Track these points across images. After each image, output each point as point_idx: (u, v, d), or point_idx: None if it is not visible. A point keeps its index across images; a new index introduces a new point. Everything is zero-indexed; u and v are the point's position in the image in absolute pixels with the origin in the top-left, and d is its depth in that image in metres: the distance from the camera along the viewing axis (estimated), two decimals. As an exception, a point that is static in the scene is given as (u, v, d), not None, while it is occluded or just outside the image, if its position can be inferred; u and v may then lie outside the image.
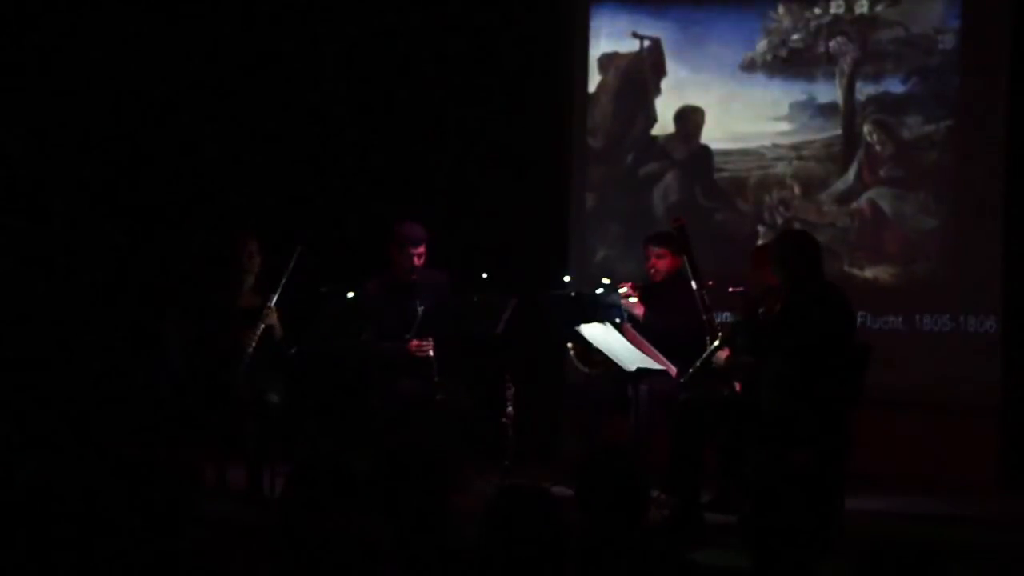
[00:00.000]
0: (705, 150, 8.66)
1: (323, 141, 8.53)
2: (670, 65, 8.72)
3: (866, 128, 8.27)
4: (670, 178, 8.72)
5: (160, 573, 3.06)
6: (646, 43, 8.76)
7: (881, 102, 8.24)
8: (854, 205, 8.30)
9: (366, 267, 7.06)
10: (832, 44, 8.31)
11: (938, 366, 7.82)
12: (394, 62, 8.53)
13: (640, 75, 8.79)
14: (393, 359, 6.75)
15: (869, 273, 8.24)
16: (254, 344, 6.45)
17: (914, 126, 8.15)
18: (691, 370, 6.18)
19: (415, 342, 6.69)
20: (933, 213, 8.13)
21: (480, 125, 8.52)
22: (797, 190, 8.43)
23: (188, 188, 8.23)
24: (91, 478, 3.18)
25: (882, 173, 8.25)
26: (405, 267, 6.78)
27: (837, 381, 5.74)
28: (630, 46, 8.80)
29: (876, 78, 8.27)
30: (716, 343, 6.15)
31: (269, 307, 6.50)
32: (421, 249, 6.79)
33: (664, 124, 8.76)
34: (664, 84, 8.77)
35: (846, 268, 8.17)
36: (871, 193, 8.27)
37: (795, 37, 8.38)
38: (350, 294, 6.61)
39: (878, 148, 8.25)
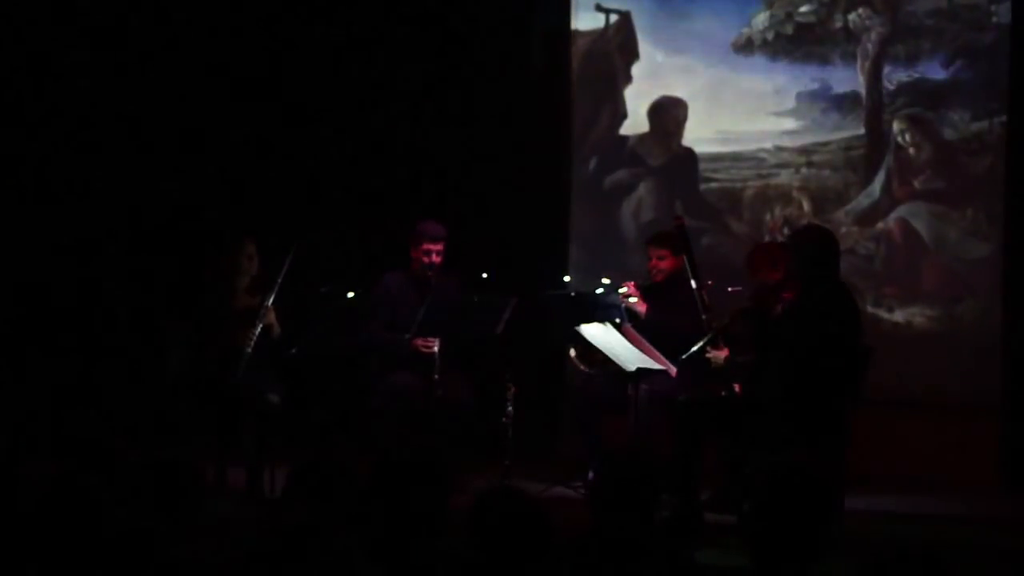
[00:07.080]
0: (688, 154, 8.31)
1: (321, 143, 8.82)
2: (643, 46, 8.39)
3: (896, 126, 7.95)
4: (644, 190, 8.38)
5: (161, 573, 3.38)
6: (613, 18, 8.45)
7: (916, 92, 7.90)
8: (881, 226, 7.97)
9: (365, 268, 7.86)
10: (852, 17, 7.98)
11: (938, 366, 7.77)
12: (391, 63, 8.75)
13: (606, 59, 8.46)
14: (396, 352, 7.42)
15: (900, 316, 7.92)
16: (251, 344, 7.06)
17: (959, 123, 7.81)
18: (693, 349, 6.60)
19: (420, 340, 7.37)
20: (984, 236, 7.79)
21: (479, 123, 8.60)
22: (806, 206, 8.10)
23: (189, 188, 8.78)
24: (92, 480, 3.42)
25: (917, 184, 7.91)
26: (423, 263, 7.46)
27: (838, 381, 6.15)
28: (593, 22, 8.46)
29: (909, 61, 7.93)
30: (715, 332, 6.57)
31: (266, 306, 7.10)
32: (440, 246, 7.47)
33: (636, 121, 8.40)
34: (636, 70, 8.40)
35: (870, 308, 7.77)
36: (903, 210, 7.94)
37: (804, 9, 8.06)
38: (350, 294, 7.29)
39: (912, 152, 7.92)
